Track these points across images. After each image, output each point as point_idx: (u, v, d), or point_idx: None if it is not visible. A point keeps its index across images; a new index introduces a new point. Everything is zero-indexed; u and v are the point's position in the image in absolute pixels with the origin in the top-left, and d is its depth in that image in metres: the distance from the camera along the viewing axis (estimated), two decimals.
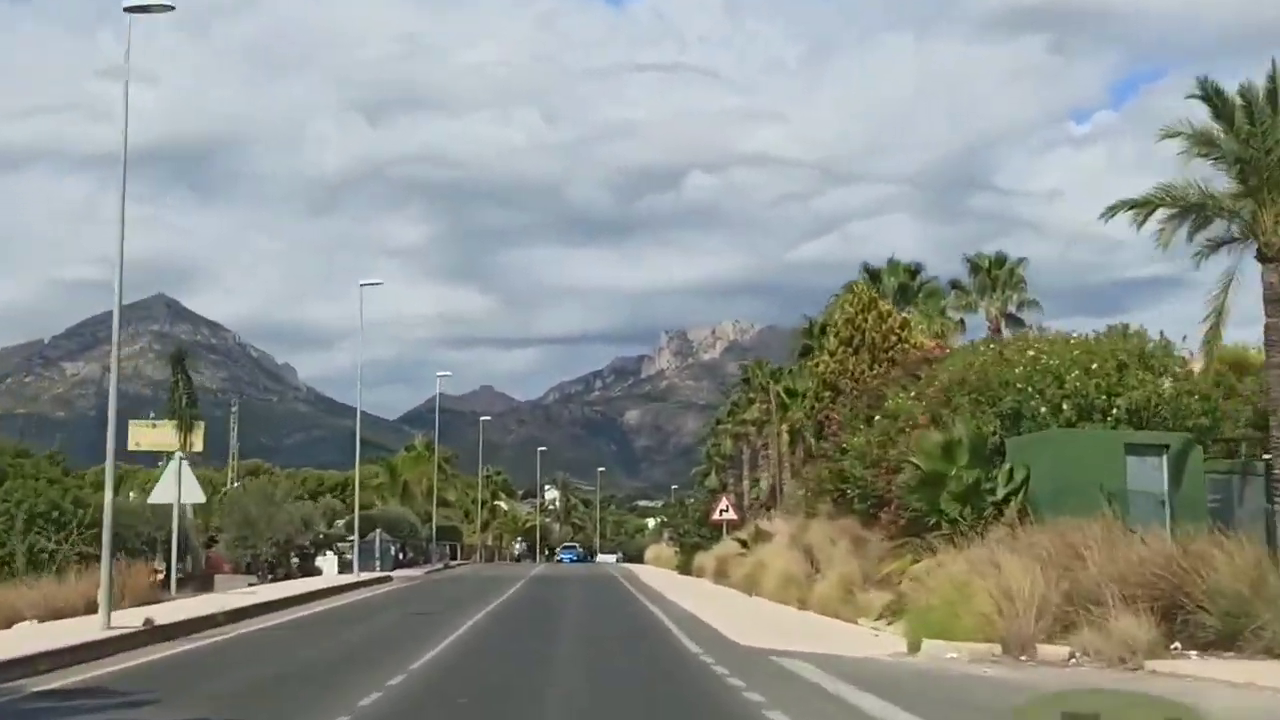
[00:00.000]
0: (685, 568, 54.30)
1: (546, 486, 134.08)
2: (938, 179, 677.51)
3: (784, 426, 49.04)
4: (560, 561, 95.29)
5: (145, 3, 22.20)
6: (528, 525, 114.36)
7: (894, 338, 35.11)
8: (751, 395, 60.05)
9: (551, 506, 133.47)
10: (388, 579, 46.24)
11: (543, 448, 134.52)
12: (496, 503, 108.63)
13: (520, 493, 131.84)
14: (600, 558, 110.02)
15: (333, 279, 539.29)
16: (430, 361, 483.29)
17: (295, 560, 46.11)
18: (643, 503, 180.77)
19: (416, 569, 58.47)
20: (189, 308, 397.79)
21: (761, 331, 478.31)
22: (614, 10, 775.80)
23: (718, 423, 74.83)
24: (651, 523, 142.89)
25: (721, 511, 49.09)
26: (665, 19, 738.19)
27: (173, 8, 22.56)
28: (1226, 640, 14.90)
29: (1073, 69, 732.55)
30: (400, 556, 58.78)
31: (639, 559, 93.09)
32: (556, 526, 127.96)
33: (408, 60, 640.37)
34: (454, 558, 76.33)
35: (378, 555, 51.41)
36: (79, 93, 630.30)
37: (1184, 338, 24.22)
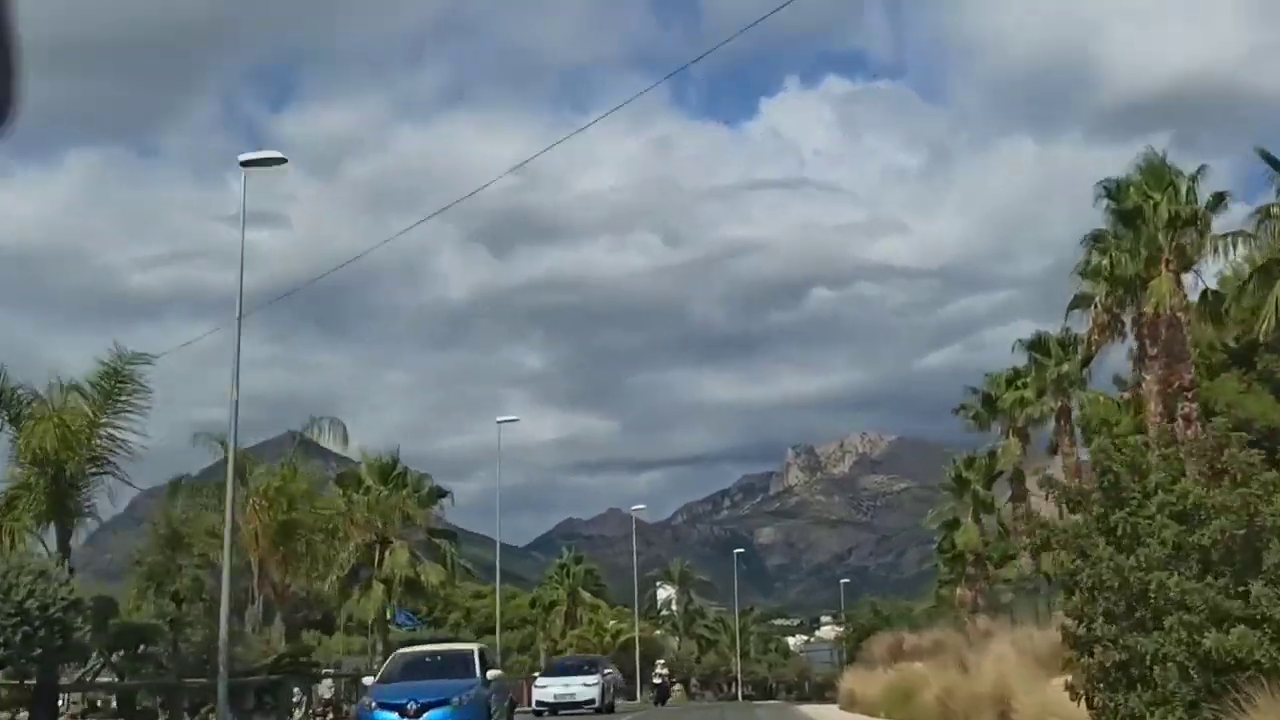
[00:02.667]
0: None
1: (659, 585, 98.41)
2: (1064, 282, 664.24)
3: None
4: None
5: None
6: (621, 637, 70.80)
7: None
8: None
9: (665, 613, 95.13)
10: None
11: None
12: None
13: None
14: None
15: (460, 410, 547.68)
16: (558, 487, 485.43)
17: None
18: (778, 621, 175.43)
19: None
20: (322, 444, 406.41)
21: (892, 443, 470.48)
22: (730, 130, 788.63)
23: None
24: (793, 641, 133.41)
25: None
26: (781, 136, 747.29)
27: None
28: None
29: (1200, 163, 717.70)
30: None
31: (813, 694, 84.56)
32: (675, 642, 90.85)
33: (526, 190, 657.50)
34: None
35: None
36: (208, 239, 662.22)
37: None
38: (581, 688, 36.98)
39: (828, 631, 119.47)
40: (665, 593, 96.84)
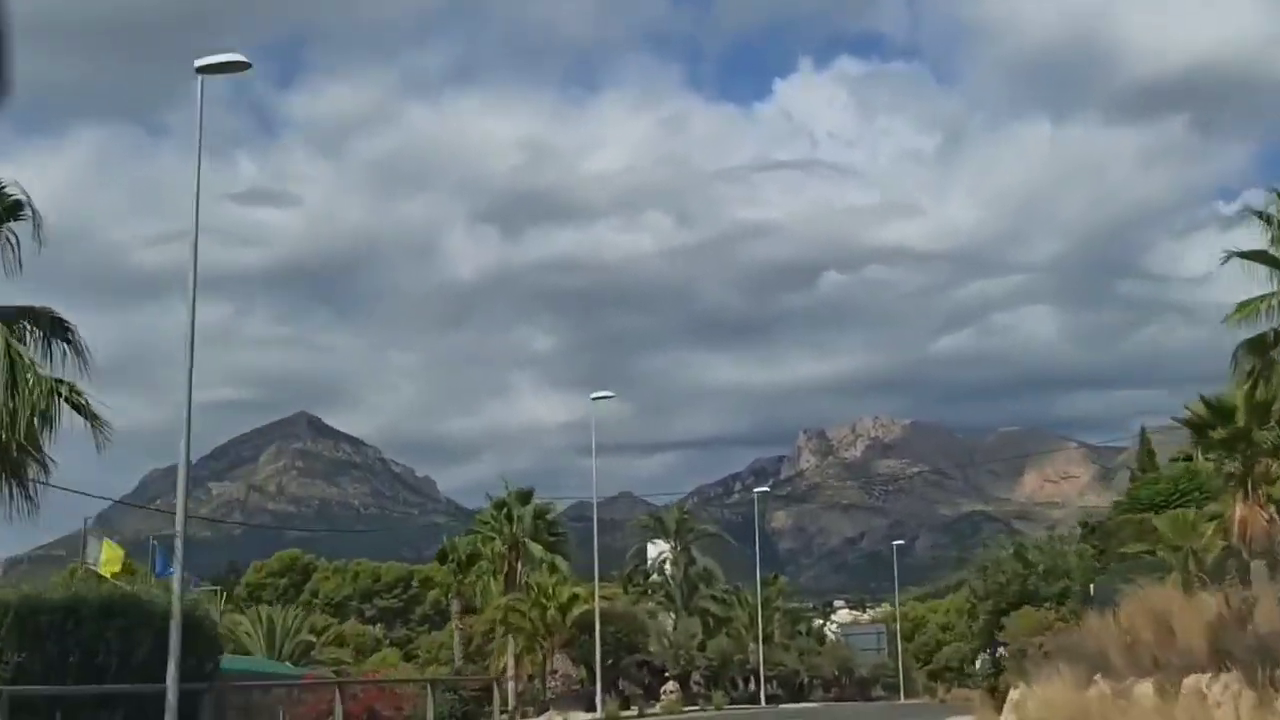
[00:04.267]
0: None
1: (650, 541, 72.52)
2: (1080, 265, 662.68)
3: None
4: None
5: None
6: (576, 609, 47.67)
7: None
8: None
9: (656, 578, 69.93)
10: None
11: None
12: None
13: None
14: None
15: (468, 391, 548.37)
16: (567, 469, 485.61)
17: None
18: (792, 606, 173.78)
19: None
20: (330, 424, 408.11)
21: (905, 427, 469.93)
22: (741, 111, 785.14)
23: None
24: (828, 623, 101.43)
25: None
26: (794, 118, 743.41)
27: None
28: None
29: (1217, 146, 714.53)
30: None
31: (857, 693, 78.44)
32: (669, 619, 63.89)
33: (535, 170, 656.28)
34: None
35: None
36: (215, 217, 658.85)
37: None
38: None
39: (843, 616, 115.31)
40: (657, 550, 71.10)
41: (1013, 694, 25.01)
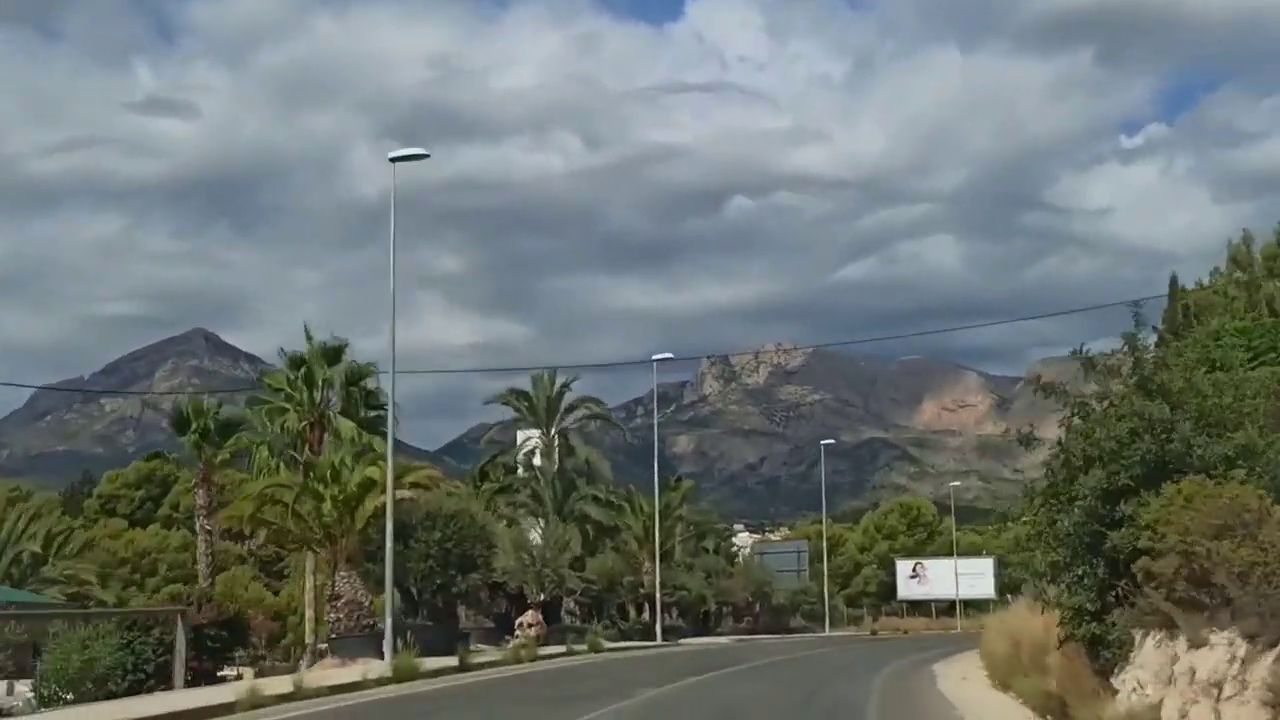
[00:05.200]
0: None
1: (518, 425, 56.97)
2: (984, 196, 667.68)
3: None
4: None
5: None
6: (371, 499, 30.33)
7: None
8: None
9: (523, 473, 54.15)
10: None
11: None
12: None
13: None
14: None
15: (371, 310, 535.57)
16: (472, 392, 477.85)
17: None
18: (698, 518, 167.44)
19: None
20: (228, 341, 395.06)
21: (808, 355, 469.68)
22: (653, 31, 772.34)
23: None
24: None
25: None
26: (706, 40, 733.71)
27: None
28: None
29: (1122, 80, 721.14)
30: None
31: (775, 623, 67.82)
32: (535, 528, 47.00)
33: (442, 85, 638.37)
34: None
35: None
36: (112, 126, 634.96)
37: None
38: None
39: (743, 539, 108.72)
40: (527, 437, 54.89)
41: (1142, 663, 11.22)
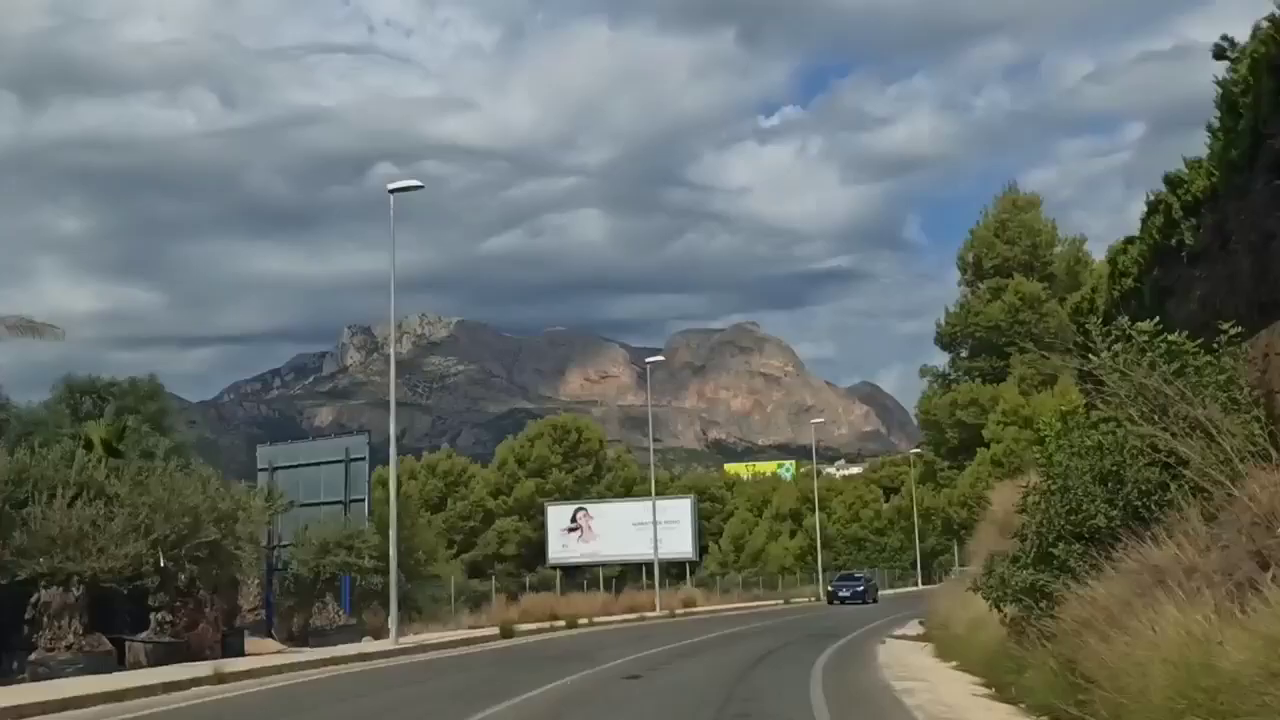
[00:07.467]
0: None
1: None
2: (630, 172, 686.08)
3: None
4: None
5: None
6: None
7: None
8: None
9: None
10: None
11: None
12: None
13: None
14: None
15: None
16: (97, 364, 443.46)
17: None
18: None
19: None
20: None
21: (455, 325, 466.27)
22: None
23: None
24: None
25: None
26: (352, 2, 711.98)
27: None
28: None
29: (761, 62, 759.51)
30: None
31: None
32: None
33: (63, 35, 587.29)
34: None
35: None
36: None
37: None
38: None
39: None
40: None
41: None
